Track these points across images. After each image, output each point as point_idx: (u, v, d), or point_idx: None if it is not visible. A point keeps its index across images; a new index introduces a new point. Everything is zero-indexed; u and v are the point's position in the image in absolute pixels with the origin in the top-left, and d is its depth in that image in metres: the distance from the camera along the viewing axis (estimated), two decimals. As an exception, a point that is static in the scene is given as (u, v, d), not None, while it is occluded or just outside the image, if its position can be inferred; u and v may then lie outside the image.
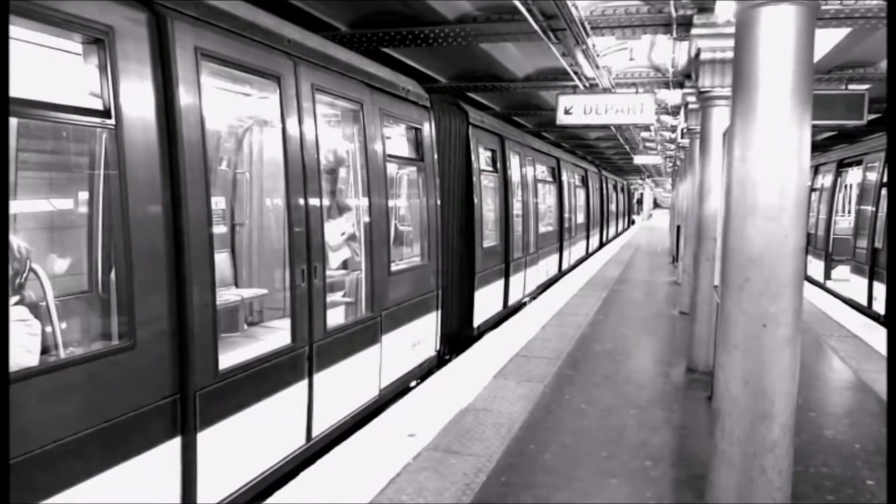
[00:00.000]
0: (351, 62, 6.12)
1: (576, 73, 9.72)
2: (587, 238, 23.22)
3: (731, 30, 6.05)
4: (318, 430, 5.36)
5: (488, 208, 11.47)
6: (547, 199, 17.06)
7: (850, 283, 13.38)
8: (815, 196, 16.18)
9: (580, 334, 9.52)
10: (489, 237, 11.20)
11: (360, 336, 6.06)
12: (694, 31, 6.94)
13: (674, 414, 6.22)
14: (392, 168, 7.63)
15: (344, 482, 4.61)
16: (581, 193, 22.09)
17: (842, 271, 14.45)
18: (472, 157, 9.93)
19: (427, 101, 7.90)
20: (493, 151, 11.41)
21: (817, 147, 18.53)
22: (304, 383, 5.13)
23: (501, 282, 11.75)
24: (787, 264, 3.36)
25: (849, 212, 15.44)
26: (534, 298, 13.77)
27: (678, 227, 16.84)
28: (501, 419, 5.90)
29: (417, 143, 7.76)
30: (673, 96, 12.85)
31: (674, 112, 14.71)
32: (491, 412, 6.08)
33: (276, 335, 5.31)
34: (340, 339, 5.68)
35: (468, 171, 9.85)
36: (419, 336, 7.53)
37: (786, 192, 3.33)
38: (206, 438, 4.05)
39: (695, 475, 4.69)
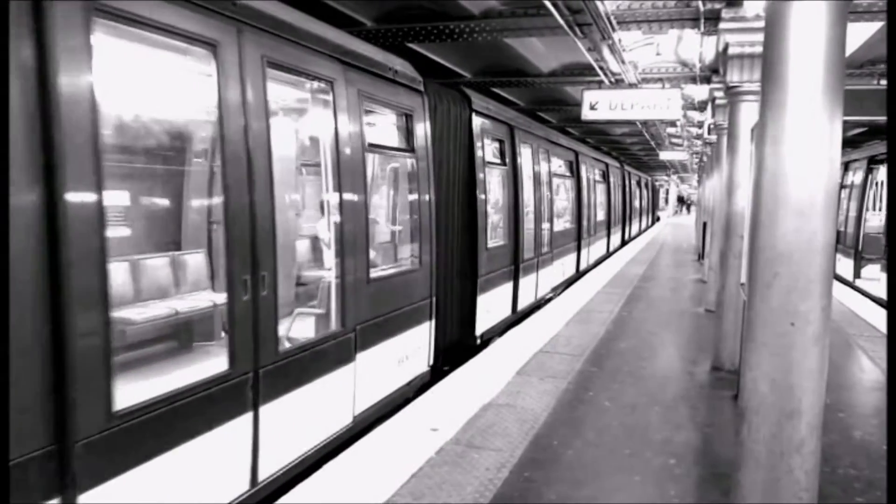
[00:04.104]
0: (317, 32, 5.20)
1: (601, 68, 9.65)
2: (608, 236, 22.46)
3: (761, 24, 5.97)
4: (267, 473, 4.52)
5: (495, 205, 10.68)
6: (563, 194, 16.31)
7: (881, 282, 13.15)
8: (845, 193, 15.91)
9: (604, 331, 9.46)
10: (496, 237, 10.45)
11: (326, 356, 5.20)
12: (722, 25, 6.85)
13: (698, 412, 6.17)
14: (374, 160, 7.01)
15: (367, 475, 4.65)
16: (601, 189, 21.33)
17: (872, 270, 14.20)
18: (476, 148, 9.00)
19: (420, 85, 7.09)
20: (500, 142, 10.50)
21: (848, 143, 18.21)
22: (245, 418, 4.27)
23: (510, 285, 10.80)
24: (817, 261, 3.31)
25: (880, 209, 15.17)
26: (548, 302, 12.81)
27: (704, 224, 16.66)
28: (524, 415, 5.89)
29: (408, 132, 6.84)
30: (700, 91, 12.69)
31: (700, 107, 14.53)
32: (513, 408, 6.08)
33: (214, 360, 4.39)
34: (298, 362, 4.84)
35: (471, 164, 8.91)
36: (407, 350, 6.69)
37: (815, 187, 3.28)
38: None
39: (719, 474, 4.65)
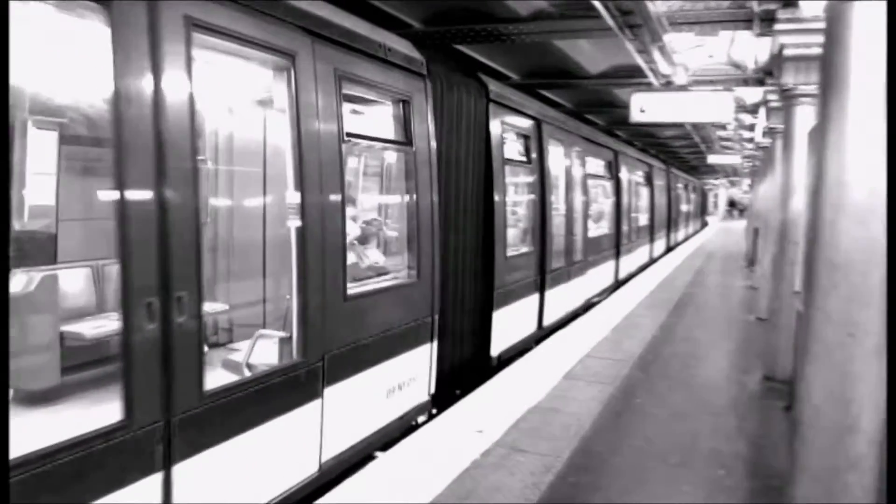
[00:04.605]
0: None
1: (651, 70, 9.51)
2: (651, 242, 21.42)
3: (819, 25, 5.80)
4: None
5: (517, 209, 9.78)
6: (600, 197, 15.25)
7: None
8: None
9: (651, 337, 9.32)
10: (517, 244, 9.41)
11: (278, 394, 4.25)
12: (777, 26, 6.68)
13: (749, 422, 6.03)
14: (356, 153, 6.35)
15: (413, 474, 4.67)
16: (644, 192, 20.17)
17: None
18: (493, 144, 7.92)
19: (422, 67, 6.14)
20: (525, 138, 9.39)
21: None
22: (152, 480, 3.34)
23: (535, 297, 9.60)
24: (878, 269, 3.20)
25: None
26: (581, 315, 11.64)
27: (755, 230, 16.27)
28: (569, 419, 5.84)
29: (405, 122, 5.92)
30: (752, 94, 12.41)
31: (752, 110, 14.21)
32: (559, 412, 6.03)
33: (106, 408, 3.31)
34: (233, 405, 3.85)
35: (487, 161, 7.82)
36: (400, 378, 5.74)
37: (877, 193, 3.17)
38: None
39: (772, 487, 4.53)
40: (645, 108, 10.21)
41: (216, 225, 6.29)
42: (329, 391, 4.71)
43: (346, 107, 5.18)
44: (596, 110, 16.58)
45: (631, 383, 7.05)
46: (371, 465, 4.88)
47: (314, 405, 4.59)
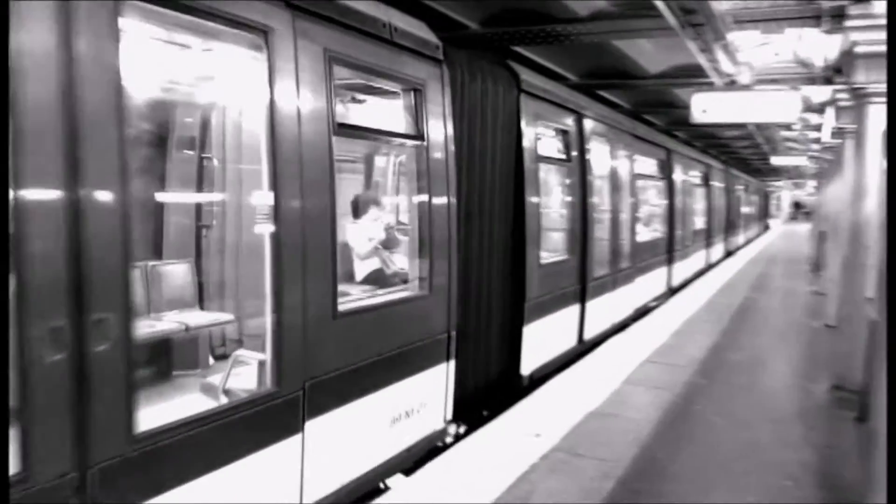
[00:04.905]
0: None
1: (714, 69, 9.31)
2: (708, 246, 20.43)
3: (895, 20, 5.59)
4: None
5: (553, 210, 8.99)
6: (650, 199, 14.43)
7: None
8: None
9: (712, 342, 9.11)
10: (554, 249, 8.58)
11: (243, 431, 3.59)
12: (848, 22, 6.46)
13: (817, 432, 5.83)
14: (348, 147, 5.80)
15: (472, 476, 4.68)
16: (700, 193, 19.12)
17: None
18: (525, 139, 7.11)
19: (438, 52, 5.43)
20: (564, 133, 8.55)
21: None
22: None
23: (575, 309, 8.71)
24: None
25: None
26: (629, 324, 10.79)
27: (821, 233, 15.72)
28: (628, 425, 5.77)
29: (416, 113, 5.23)
30: (819, 93, 12.01)
31: (819, 109, 13.75)
32: (617, 417, 5.96)
33: None
34: (180, 447, 3.20)
35: (518, 158, 7.02)
36: (407, 404, 5.03)
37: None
38: None
39: (844, 500, 4.37)
40: (707, 108, 9.98)
41: (168, 228, 5.59)
42: (312, 424, 4.05)
43: (347, 95, 4.77)
44: (655, 111, 16.31)
45: (692, 389, 6.90)
46: (405, 480, 4.89)
47: (291, 442, 3.92)
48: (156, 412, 3.27)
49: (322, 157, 4.11)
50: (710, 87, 10.41)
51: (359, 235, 5.96)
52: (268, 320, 3.83)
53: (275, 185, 3.77)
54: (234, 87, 4.81)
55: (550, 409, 6.11)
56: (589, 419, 5.88)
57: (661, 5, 6.38)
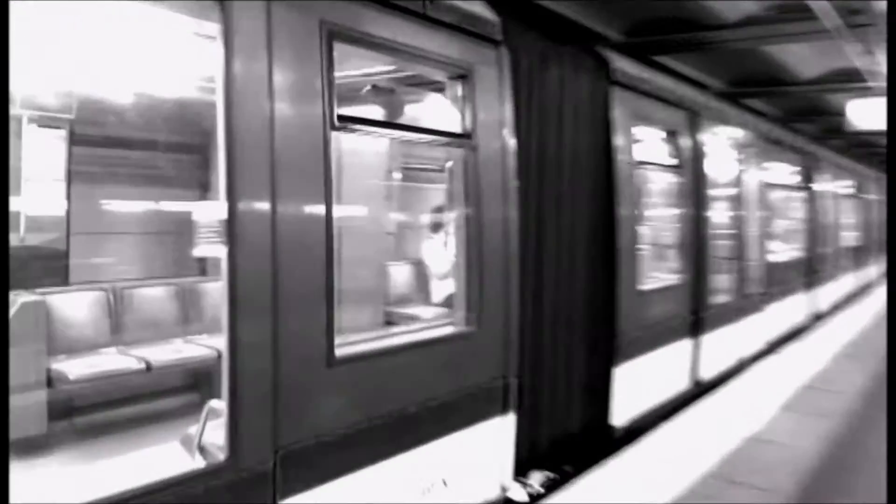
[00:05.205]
0: None
1: (873, 73, 8.76)
2: (859, 266, 17.80)
3: None
4: None
5: (657, 225, 7.89)
6: (788, 212, 12.84)
7: None
8: None
9: (881, 369, 8.50)
10: (658, 272, 7.50)
11: None
12: None
13: None
14: (357, 148, 5.09)
15: (621, 496, 4.68)
16: (851, 207, 17.13)
17: None
18: (618, 140, 6.11)
19: (495, 31, 4.49)
20: (671, 134, 7.53)
21: None
22: None
23: (686, 344, 7.52)
24: None
25: None
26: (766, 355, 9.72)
27: None
28: (785, 453, 5.55)
29: (462, 105, 4.34)
30: None
31: None
32: (774, 444, 5.75)
33: None
34: None
35: (608, 164, 6.02)
36: (445, 469, 4.09)
37: None
38: None
39: None
40: (864, 114, 9.45)
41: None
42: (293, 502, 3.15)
43: (351, 81, 3.90)
44: (804, 118, 15.44)
45: (856, 419, 6.53)
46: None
47: None
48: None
49: (311, 156, 3.28)
50: (867, 92, 9.82)
51: (436, 252, 5.31)
52: (224, 367, 2.92)
53: (231, 192, 2.90)
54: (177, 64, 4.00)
55: (703, 434, 5.93)
56: (745, 445, 5.70)
57: (824, 6, 6.12)
